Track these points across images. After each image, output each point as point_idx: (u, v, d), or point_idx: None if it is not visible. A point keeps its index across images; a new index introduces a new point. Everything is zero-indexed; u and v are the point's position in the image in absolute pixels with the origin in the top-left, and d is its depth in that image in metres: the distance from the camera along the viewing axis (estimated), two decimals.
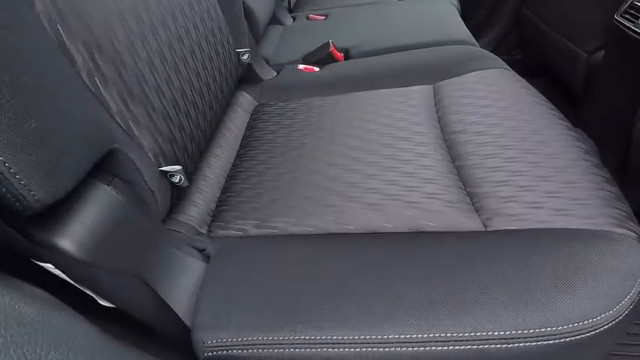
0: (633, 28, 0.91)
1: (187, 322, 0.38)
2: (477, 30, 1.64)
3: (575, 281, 0.35)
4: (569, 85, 1.28)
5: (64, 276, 0.30)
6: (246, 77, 0.81)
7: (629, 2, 0.95)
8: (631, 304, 0.34)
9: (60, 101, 0.31)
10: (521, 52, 1.66)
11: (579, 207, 0.43)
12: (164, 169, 0.44)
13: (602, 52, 1.08)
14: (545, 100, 0.64)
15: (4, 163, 0.25)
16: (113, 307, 0.32)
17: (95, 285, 0.32)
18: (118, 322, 0.30)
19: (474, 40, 0.95)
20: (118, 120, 0.40)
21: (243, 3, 0.91)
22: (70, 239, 0.32)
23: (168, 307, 0.37)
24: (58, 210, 0.32)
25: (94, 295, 0.31)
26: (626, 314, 0.34)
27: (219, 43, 0.64)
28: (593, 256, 0.37)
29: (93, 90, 0.38)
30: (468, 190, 0.50)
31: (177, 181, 0.45)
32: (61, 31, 0.35)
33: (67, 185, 0.31)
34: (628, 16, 0.94)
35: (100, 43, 0.39)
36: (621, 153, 1.00)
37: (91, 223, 0.34)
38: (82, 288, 0.30)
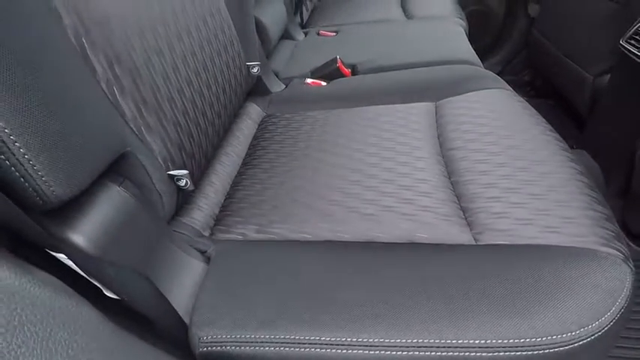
0: (638, 53, 0.93)
1: (185, 319, 0.40)
2: (485, 51, 1.67)
3: (558, 296, 0.36)
4: (575, 107, 1.29)
5: (74, 266, 0.32)
6: (256, 89, 0.85)
7: (634, 28, 0.96)
8: (611, 321, 0.35)
9: (81, 107, 0.34)
10: (529, 73, 1.69)
11: (568, 225, 0.44)
12: (172, 173, 0.47)
13: (608, 76, 1.10)
14: (544, 120, 0.65)
15: (29, 160, 0.28)
16: (117, 299, 0.34)
17: (102, 277, 0.34)
18: (120, 313, 0.33)
19: (478, 61, 0.97)
20: (132, 126, 0.43)
21: (256, 19, 0.95)
22: (81, 234, 0.34)
23: (168, 302, 0.39)
24: (73, 206, 0.35)
25: (100, 286, 0.33)
26: (607, 330, 0.35)
27: (231, 57, 0.67)
28: (578, 272, 0.38)
29: (110, 97, 0.41)
30: (461, 204, 0.51)
31: (183, 184, 0.48)
32: (85, 43, 0.38)
33: (83, 183, 0.33)
34: (633, 42, 0.95)
35: (120, 56, 0.42)
36: (624, 176, 1.00)
37: (102, 220, 0.37)
38: (90, 279, 0.33)
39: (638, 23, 0.94)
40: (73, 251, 0.33)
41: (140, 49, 0.45)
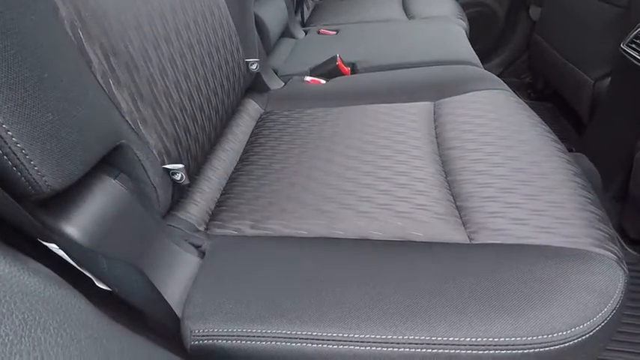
0: (638, 57, 0.93)
1: (178, 312, 0.40)
2: (487, 52, 1.67)
3: (549, 296, 0.36)
4: (575, 110, 1.29)
5: (66, 256, 0.32)
6: (255, 86, 0.85)
7: (635, 32, 0.96)
8: (603, 322, 0.35)
9: (75, 98, 0.34)
10: (530, 75, 1.69)
11: (562, 226, 0.44)
12: (167, 166, 0.46)
13: (608, 80, 1.10)
14: (542, 122, 0.65)
15: (22, 150, 0.28)
16: (109, 291, 0.34)
17: (94, 268, 0.34)
18: (112, 305, 0.33)
19: (478, 61, 0.97)
20: (127, 119, 0.43)
21: (256, 16, 0.95)
22: (74, 226, 0.35)
23: (161, 296, 0.39)
24: (67, 198, 0.35)
25: (92, 277, 0.33)
26: (597, 331, 0.35)
27: (229, 52, 0.67)
28: (570, 273, 0.38)
29: (106, 90, 0.41)
30: (457, 203, 0.51)
31: (178, 178, 0.48)
32: (81, 35, 0.38)
33: (76, 174, 0.33)
34: (634, 46, 0.95)
35: (116, 48, 0.42)
36: (623, 180, 1.00)
37: (96, 212, 0.37)
38: (81, 269, 0.33)
39: (639, 27, 0.94)
40: (65, 242, 0.33)
41: (137, 41, 0.45)
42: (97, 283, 0.33)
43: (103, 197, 0.38)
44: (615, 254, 0.41)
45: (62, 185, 0.32)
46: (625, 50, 0.96)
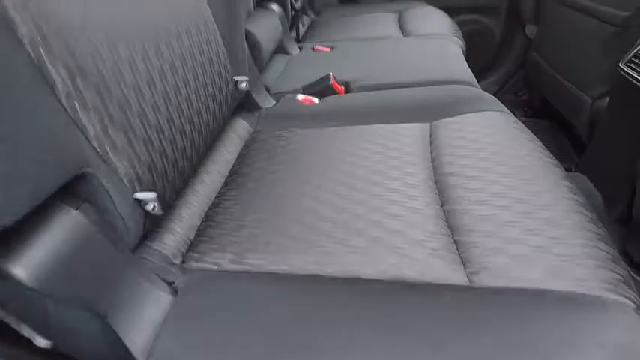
0: (637, 76, 0.91)
1: None
2: (483, 69, 1.66)
3: (557, 353, 0.32)
4: (573, 129, 1.27)
5: None
6: (245, 104, 0.82)
7: (634, 51, 0.95)
8: None
9: (27, 122, 0.31)
10: (527, 93, 1.67)
11: (569, 266, 0.40)
12: (137, 196, 0.42)
13: (606, 99, 1.08)
14: (542, 146, 0.62)
15: None
16: (50, 350, 0.30)
17: (38, 318, 0.30)
18: None
19: (475, 81, 0.95)
20: (94, 144, 0.39)
21: (249, 33, 0.93)
22: (21, 264, 0.30)
23: (122, 343, 0.35)
24: (15, 232, 0.31)
25: (30, 334, 0.29)
26: None
27: (216, 71, 0.64)
28: (580, 324, 0.34)
29: (71, 113, 0.37)
30: (455, 237, 0.47)
31: (150, 208, 0.43)
32: (42, 53, 0.35)
33: (24, 209, 0.29)
34: (632, 65, 0.93)
35: (84, 67, 0.38)
36: (625, 201, 0.97)
37: (50, 247, 0.33)
38: (17, 328, 0.29)
39: (637, 46, 0.93)
40: (7, 285, 0.29)
41: (109, 61, 0.42)
42: (35, 341, 0.29)
43: (60, 231, 0.34)
44: (632, 300, 0.37)
45: (4, 222, 0.28)
46: (623, 70, 0.94)
